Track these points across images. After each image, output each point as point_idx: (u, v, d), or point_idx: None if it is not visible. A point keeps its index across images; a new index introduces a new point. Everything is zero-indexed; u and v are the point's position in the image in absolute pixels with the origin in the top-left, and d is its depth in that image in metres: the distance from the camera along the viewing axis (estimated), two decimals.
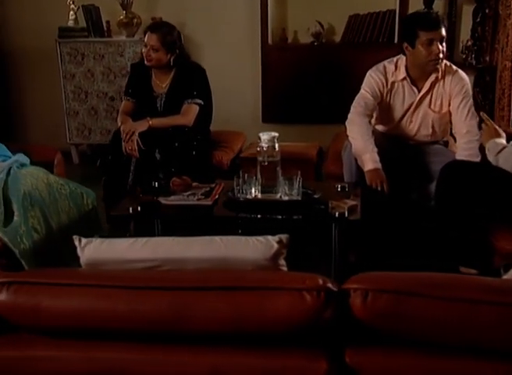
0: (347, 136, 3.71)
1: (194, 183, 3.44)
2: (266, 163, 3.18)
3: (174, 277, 1.78)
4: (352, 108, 3.72)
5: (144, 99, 4.23)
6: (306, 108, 5.64)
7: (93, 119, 5.81)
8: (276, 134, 3.19)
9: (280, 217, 3.12)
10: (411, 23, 3.59)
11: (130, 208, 3.15)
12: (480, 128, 3.45)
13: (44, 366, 1.77)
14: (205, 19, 5.68)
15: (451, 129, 3.80)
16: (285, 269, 1.91)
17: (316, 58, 5.57)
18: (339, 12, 5.53)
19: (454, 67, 3.71)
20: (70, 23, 5.72)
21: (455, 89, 3.65)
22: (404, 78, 3.69)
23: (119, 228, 3.61)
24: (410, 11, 4.93)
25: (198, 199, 3.27)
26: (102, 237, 1.93)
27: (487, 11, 5.16)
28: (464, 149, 3.56)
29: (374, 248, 3.47)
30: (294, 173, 3.21)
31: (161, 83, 4.22)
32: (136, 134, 3.94)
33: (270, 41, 5.62)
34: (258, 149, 3.19)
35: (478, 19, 5.20)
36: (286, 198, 3.19)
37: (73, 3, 5.67)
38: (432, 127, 3.78)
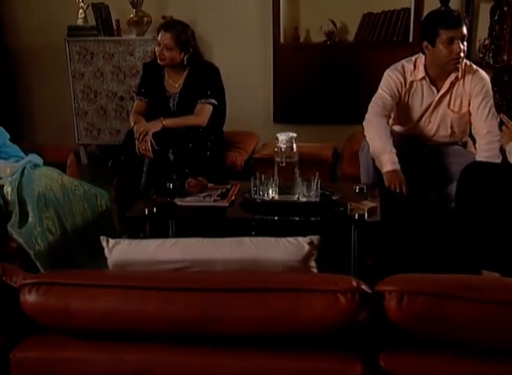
0: (365, 136, 3.67)
1: (210, 184, 3.41)
2: (284, 164, 3.13)
3: (204, 279, 1.77)
4: (369, 108, 3.67)
5: (157, 99, 4.17)
6: (318, 108, 5.60)
7: (102, 119, 5.76)
8: (294, 135, 3.16)
9: (298, 219, 3.08)
10: (432, 21, 3.54)
11: (146, 210, 3.11)
12: (500, 130, 3.41)
13: (72, 368, 1.77)
14: (216, 18, 5.64)
15: (470, 129, 3.74)
16: (315, 271, 1.90)
17: (329, 57, 5.53)
18: (353, 10, 5.49)
19: (474, 66, 3.66)
20: (79, 22, 5.67)
21: (475, 89, 3.59)
22: (423, 77, 3.64)
23: (130, 230, 3.58)
24: (426, 9, 4.90)
25: (214, 200, 3.24)
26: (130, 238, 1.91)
27: (505, 9, 5.11)
28: (484, 150, 3.51)
29: (393, 250, 3.42)
30: (311, 174, 3.16)
31: (175, 83, 4.16)
32: (150, 134, 3.89)
33: (282, 40, 5.58)
34: (276, 150, 3.15)
35: (496, 18, 5.14)
36: (304, 199, 3.15)
37: (83, 1, 5.62)
38: (451, 128, 3.72)
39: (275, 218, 3.13)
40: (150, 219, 3.20)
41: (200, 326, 1.68)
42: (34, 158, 3.44)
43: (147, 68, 4.29)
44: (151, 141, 3.88)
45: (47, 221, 3.04)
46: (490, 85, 3.66)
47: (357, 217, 2.98)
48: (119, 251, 1.86)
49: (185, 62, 4.09)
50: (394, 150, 3.48)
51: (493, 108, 3.60)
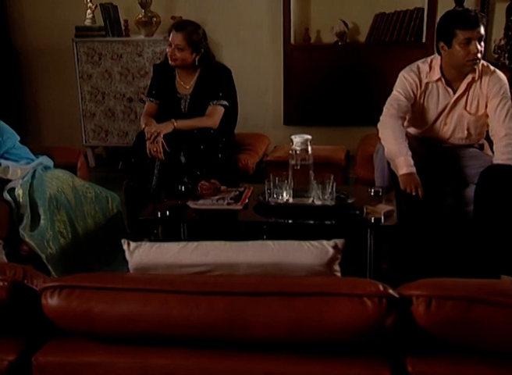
0: (379, 139, 3.62)
1: (223, 187, 3.36)
2: (298, 167, 3.08)
3: (229, 282, 1.73)
4: (384, 109, 3.62)
5: (168, 100, 4.13)
6: (329, 110, 5.57)
7: (110, 120, 5.71)
8: (309, 137, 3.11)
9: (313, 222, 3.04)
10: (448, 22, 3.48)
11: (159, 213, 3.07)
12: None
13: (95, 372, 1.74)
14: (226, 19, 5.62)
15: (487, 132, 3.69)
16: (339, 275, 1.88)
17: (340, 58, 5.51)
18: (364, 10, 5.46)
19: (492, 67, 3.61)
20: (87, 22, 5.63)
21: (492, 90, 3.54)
22: (439, 79, 3.59)
23: (140, 233, 3.54)
24: (440, 9, 4.86)
25: (228, 204, 3.20)
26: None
27: None
28: (502, 153, 3.45)
29: (409, 254, 3.37)
30: (325, 177, 3.11)
31: (186, 84, 4.12)
32: (161, 136, 3.83)
33: (292, 41, 5.56)
34: (290, 152, 3.10)
35: None
36: (319, 202, 3.10)
37: (91, 1, 5.59)
38: (468, 130, 3.67)
39: (290, 221, 3.08)
40: (163, 222, 3.15)
41: (225, 330, 1.65)
42: (45, 160, 3.41)
43: (158, 69, 4.25)
44: (162, 143, 3.83)
45: (58, 224, 3.01)
46: (508, 86, 3.60)
47: (373, 221, 2.93)
48: (140, 254, 1.84)
49: (196, 63, 4.04)
50: (410, 152, 3.43)
51: (511, 110, 3.54)
